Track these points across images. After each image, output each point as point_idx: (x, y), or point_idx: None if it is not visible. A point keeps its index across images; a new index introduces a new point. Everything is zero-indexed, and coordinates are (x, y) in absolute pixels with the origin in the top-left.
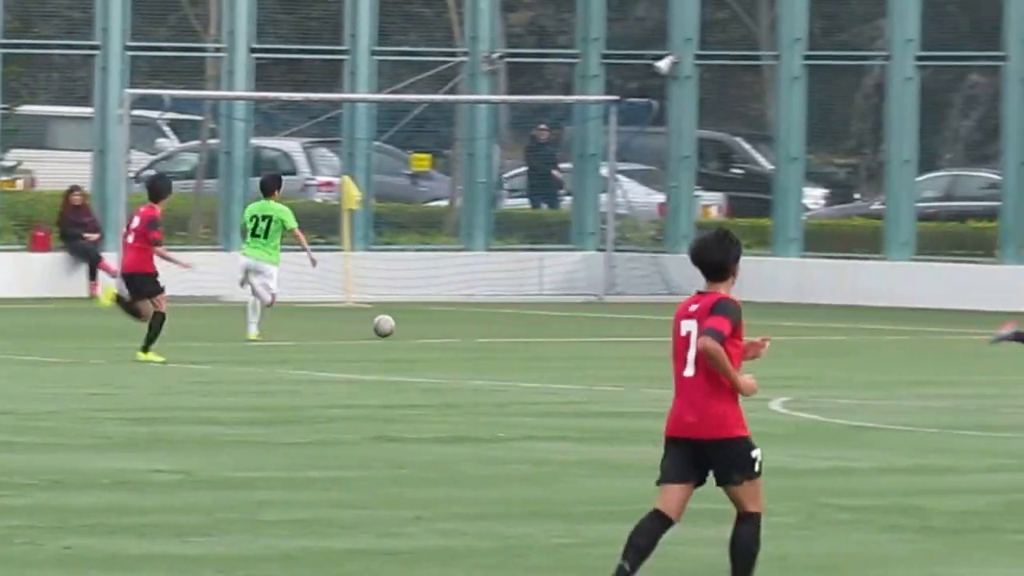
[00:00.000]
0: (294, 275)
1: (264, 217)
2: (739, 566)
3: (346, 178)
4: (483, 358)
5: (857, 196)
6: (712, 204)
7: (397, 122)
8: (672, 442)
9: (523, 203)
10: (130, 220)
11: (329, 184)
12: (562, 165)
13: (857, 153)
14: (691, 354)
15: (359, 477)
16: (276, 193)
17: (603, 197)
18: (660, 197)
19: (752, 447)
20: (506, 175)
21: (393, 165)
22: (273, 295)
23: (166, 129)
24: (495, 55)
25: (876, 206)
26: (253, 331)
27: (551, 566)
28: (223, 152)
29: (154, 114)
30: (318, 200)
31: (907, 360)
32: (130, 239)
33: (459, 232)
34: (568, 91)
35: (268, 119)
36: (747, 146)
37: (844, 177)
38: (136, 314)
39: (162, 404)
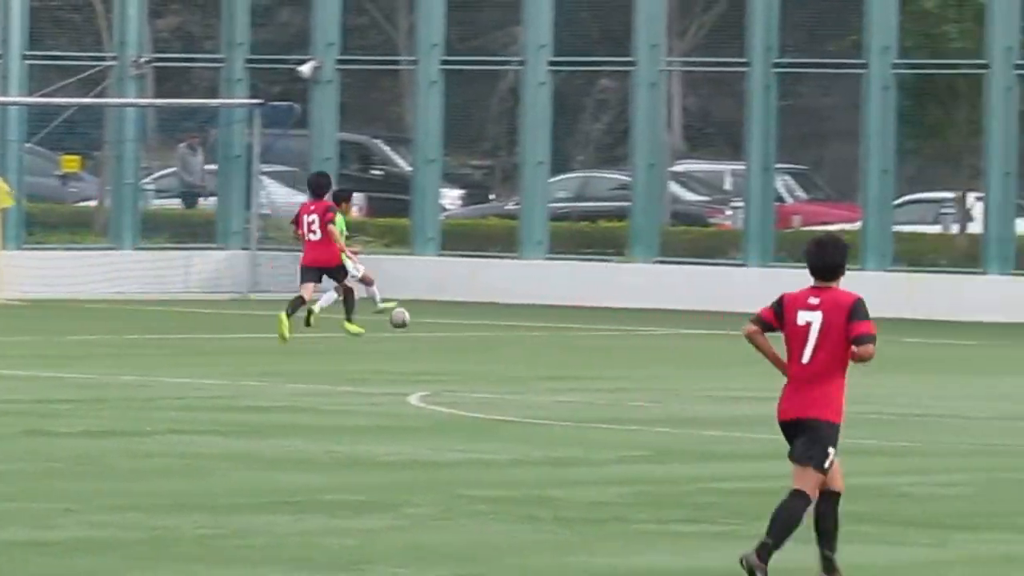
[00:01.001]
0: None
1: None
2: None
3: None
4: (131, 354)
5: (492, 197)
6: (353, 204)
7: (48, 124)
8: (787, 425)
9: (173, 203)
10: (298, 220)
11: None
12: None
13: (493, 155)
14: (810, 344)
15: (12, 470)
16: (342, 205)
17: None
18: (302, 198)
19: (833, 442)
20: (154, 175)
21: (43, 166)
22: (357, 280)
23: None
24: (143, 59)
25: (511, 206)
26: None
27: (198, 556)
28: None
29: None
30: None
31: (542, 356)
32: (312, 236)
33: (108, 231)
34: (214, 95)
35: None
36: (386, 148)
37: (480, 178)
38: (349, 306)
39: None
